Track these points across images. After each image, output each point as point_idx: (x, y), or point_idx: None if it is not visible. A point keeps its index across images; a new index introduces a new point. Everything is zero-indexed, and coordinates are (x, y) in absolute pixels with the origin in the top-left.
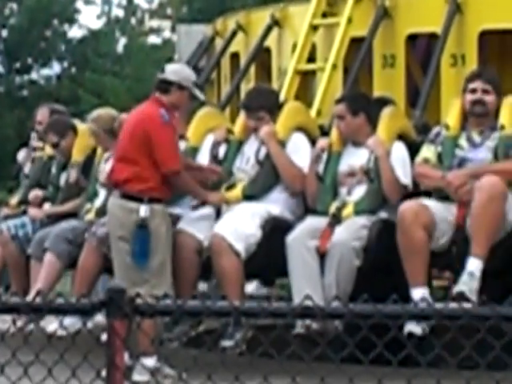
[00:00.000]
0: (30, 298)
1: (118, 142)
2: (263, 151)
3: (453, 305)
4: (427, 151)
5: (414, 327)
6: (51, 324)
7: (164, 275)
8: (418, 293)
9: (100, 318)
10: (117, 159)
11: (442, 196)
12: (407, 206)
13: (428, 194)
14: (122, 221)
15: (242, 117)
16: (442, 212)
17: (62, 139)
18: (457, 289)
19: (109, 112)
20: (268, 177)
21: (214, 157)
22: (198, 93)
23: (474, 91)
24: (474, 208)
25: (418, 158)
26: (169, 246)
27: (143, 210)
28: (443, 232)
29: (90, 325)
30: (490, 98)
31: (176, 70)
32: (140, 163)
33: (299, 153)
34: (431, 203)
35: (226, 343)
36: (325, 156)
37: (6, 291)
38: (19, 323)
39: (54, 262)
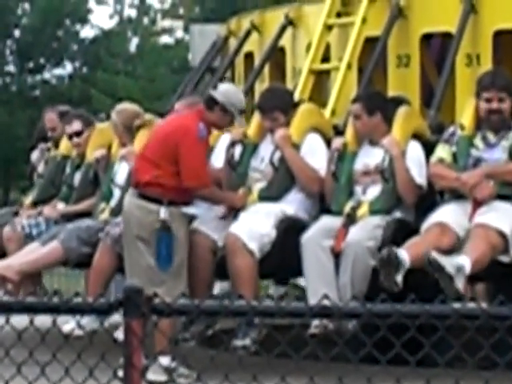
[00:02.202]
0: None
1: (147, 141)
2: (278, 154)
3: (471, 305)
4: (442, 151)
5: None
6: (67, 324)
7: (181, 277)
8: None
9: (116, 317)
10: (142, 159)
11: (456, 194)
12: (433, 226)
13: (441, 192)
14: (141, 221)
15: (256, 118)
16: (460, 216)
17: (87, 128)
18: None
19: (134, 108)
20: (283, 181)
21: (229, 158)
22: (239, 121)
23: (489, 100)
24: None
25: (433, 158)
26: (186, 248)
27: (163, 212)
28: (463, 236)
29: (105, 324)
30: (505, 106)
31: (226, 93)
32: (164, 169)
33: (315, 154)
34: (450, 212)
35: (239, 343)
36: (339, 155)
37: None
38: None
39: (58, 248)
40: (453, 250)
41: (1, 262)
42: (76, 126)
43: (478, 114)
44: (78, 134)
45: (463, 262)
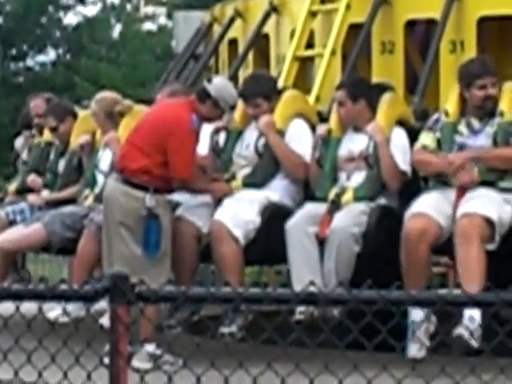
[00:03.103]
0: None
1: (136, 128)
2: (262, 141)
3: (456, 291)
4: (426, 138)
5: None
6: (52, 311)
7: (164, 265)
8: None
9: (101, 304)
10: (130, 145)
11: (440, 181)
12: (413, 225)
13: (426, 179)
14: (126, 207)
15: (240, 105)
16: (442, 204)
17: (61, 123)
18: (456, 332)
19: (113, 95)
20: (268, 167)
21: (214, 145)
22: (228, 117)
23: (483, 87)
24: (458, 259)
25: (417, 145)
26: (170, 236)
27: (149, 200)
28: (446, 223)
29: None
30: (496, 91)
31: (219, 87)
32: (153, 157)
33: (300, 140)
34: (431, 201)
35: (225, 330)
36: (323, 142)
37: None
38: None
39: (42, 232)
40: (437, 241)
41: None
42: (49, 122)
43: (463, 100)
44: (54, 129)
45: (473, 314)
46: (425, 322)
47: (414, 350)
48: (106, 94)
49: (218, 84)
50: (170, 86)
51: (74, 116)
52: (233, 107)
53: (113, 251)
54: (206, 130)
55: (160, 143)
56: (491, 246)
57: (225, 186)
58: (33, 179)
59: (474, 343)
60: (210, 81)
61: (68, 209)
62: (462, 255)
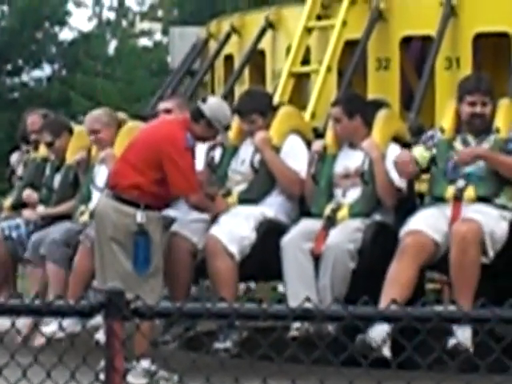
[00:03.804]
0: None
1: (130, 145)
2: (258, 157)
3: (451, 307)
4: (416, 152)
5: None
6: (48, 326)
7: (157, 281)
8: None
9: (96, 319)
10: (124, 162)
11: (436, 197)
12: (408, 242)
13: (421, 195)
14: (116, 223)
15: (236, 121)
16: (438, 220)
17: (57, 139)
18: (451, 343)
19: (96, 112)
20: (263, 183)
21: (209, 161)
22: (223, 137)
23: (472, 104)
24: (451, 266)
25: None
26: (161, 252)
27: (140, 216)
28: (442, 240)
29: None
30: (487, 110)
31: (213, 107)
32: (146, 175)
33: (296, 156)
34: (427, 218)
35: (220, 345)
36: (318, 158)
37: None
38: (22, 328)
39: (57, 270)
40: (432, 258)
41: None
42: (45, 137)
43: (458, 117)
44: (50, 144)
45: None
46: (386, 340)
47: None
48: (91, 113)
49: (213, 104)
50: (174, 99)
51: (70, 131)
52: (227, 127)
53: (105, 267)
54: (202, 146)
55: (154, 160)
56: (485, 260)
57: (224, 204)
58: (28, 194)
59: (469, 343)
60: (204, 101)
61: (63, 227)
62: (456, 259)
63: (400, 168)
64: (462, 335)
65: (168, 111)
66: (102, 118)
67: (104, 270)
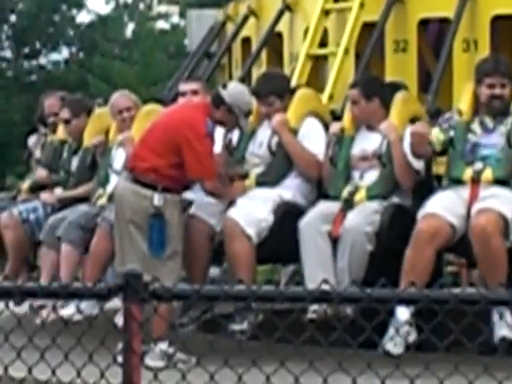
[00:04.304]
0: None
1: (150, 128)
2: (275, 139)
3: (469, 290)
4: (432, 134)
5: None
6: (65, 309)
7: (175, 264)
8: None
9: (115, 302)
10: (143, 146)
11: (454, 179)
12: (424, 226)
13: (439, 177)
14: (134, 206)
15: (254, 103)
16: (455, 203)
17: (75, 118)
18: (499, 334)
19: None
20: (281, 165)
21: (227, 143)
22: (243, 123)
23: (491, 86)
24: (478, 260)
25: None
26: (180, 236)
27: (157, 199)
28: (459, 223)
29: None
30: (507, 91)
31: (233, 94)
32: (165, 158)
33: (313, 139)
34: (444, 201)
35: (236, 327)
36: (335, 141)
37: None
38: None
39: (71, 251)
40: (449, 241)
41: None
42: (63, 114)
43: (476, 99)
44: (66, 122)
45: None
46: (407, 324)
47: (391, 346)
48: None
49: (233, 90)
50: (200, 81)
51: (88, 114)
52: (247, 114)
53: (124, 249)
54: (219, 128)
55: (173, 144)
56: (507, 244)
57: (239, 190)
58: (41, 174)
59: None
60: (224, 87)
61: (81, 209)
62: (481, 252)
63: (415, 139)
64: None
65: (195, 92)
66: (132, 97)
67: (123, 253)
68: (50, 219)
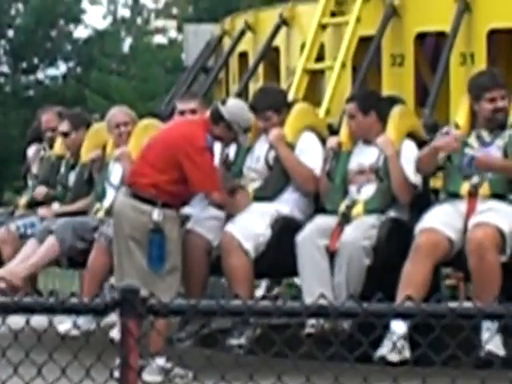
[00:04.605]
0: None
1: (148, 145)
2: (273, 154)
3: (466, 304)
4: None
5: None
6: (62, 324)
7: (174, 280)
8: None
9: (111, 317)
10: (142, 162)
11: (451, 193)
12: (422, 241)
13: (436, 191)
14: (133, 221)
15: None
16: (453, 217)
17: (74, 131)
18: (486, 349)
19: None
20: (278, 180)
21: (224, 158)
22: (242, 139)
23: (493, 100)
24: (472, 273)
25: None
26: (179, 251)
27: (156, 214)
28: (456, 237)
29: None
30: (506, 103)
31: (233, 110)
32: (164, 174)
33: (310, 153)
34: (441, 215)
35: (234, 342)
36: (333, 155)
37: None
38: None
39: (54, 245)
40: (447, 256)
41: (3, 268)
42: (62, 127)
43: (473, 113)
44: (65, 134)
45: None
46: (403, 338)
47: (385, 351)
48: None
49: (232, 107)
50: (197, 99)
51: (87, 128)
52: (246, 130)
53: (123, 265)
54: (217, 143)
55: (173, 159)
56: (502, 258)
57: (245, 197)
58: (40, 191)
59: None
60: (224, 103)
61: (79, 218)
62: (475, 266)
63: (445, 145)
64: (493, 343)
65: (193, 111)
66: (129, 112)
67: (122, 268)
68: (45, 221)
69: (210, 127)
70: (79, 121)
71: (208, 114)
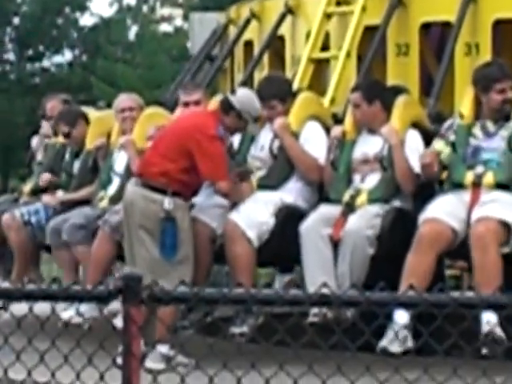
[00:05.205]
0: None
1: (159, 136)
2: (277, 143)
3: (469, 294)
4: (438, 144)
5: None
6: (66, 311)
7: (186, 269)
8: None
9: (115, 305)
10: (154, 153)
11: (455, 183)
12: (425, 231)
13: (441, 181)
14: (144, 211)
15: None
16: (457, 207)
17: (73, 129)
18: (484, 330)
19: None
20: (282, 169)
21: (228, 147)
22: (252, 128)
23: (503, 91)
24: (474, 267)
25: (428, 150)
26: (191, 240)
27: (167, 202)
28: (460, 227)
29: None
30: None
31: (243, 100)
32: (175, 163)
33: (315, 142)
34: (445, 205)
35: (236, 330)
36: (338, 144)
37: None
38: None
39: (85, 251)
40: (450, 246)
41: None
42: (62, 129)
43: (477, 103)
44: (66, 135)
45: (490, 318)
46: (406, 328)
47: (388, 344)
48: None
49: (242, 96)
50: (200, 90)
51: (86, 119)
52: (256, 119)
53: (134, 255)
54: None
55: (184, 148)
56: (506, 249)
57: (250, 188)
58: (45, 178)
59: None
60: (233, 92)
61: (82, 211)
62: (478, 260)
63: (426, 171)
64: (491, 323)
65: (197, 103)
66: (136, 98)
67: (133, 258)
68: (51, 222)
69: (221, 117)
70: (74, 117)
71: (217, 104)
